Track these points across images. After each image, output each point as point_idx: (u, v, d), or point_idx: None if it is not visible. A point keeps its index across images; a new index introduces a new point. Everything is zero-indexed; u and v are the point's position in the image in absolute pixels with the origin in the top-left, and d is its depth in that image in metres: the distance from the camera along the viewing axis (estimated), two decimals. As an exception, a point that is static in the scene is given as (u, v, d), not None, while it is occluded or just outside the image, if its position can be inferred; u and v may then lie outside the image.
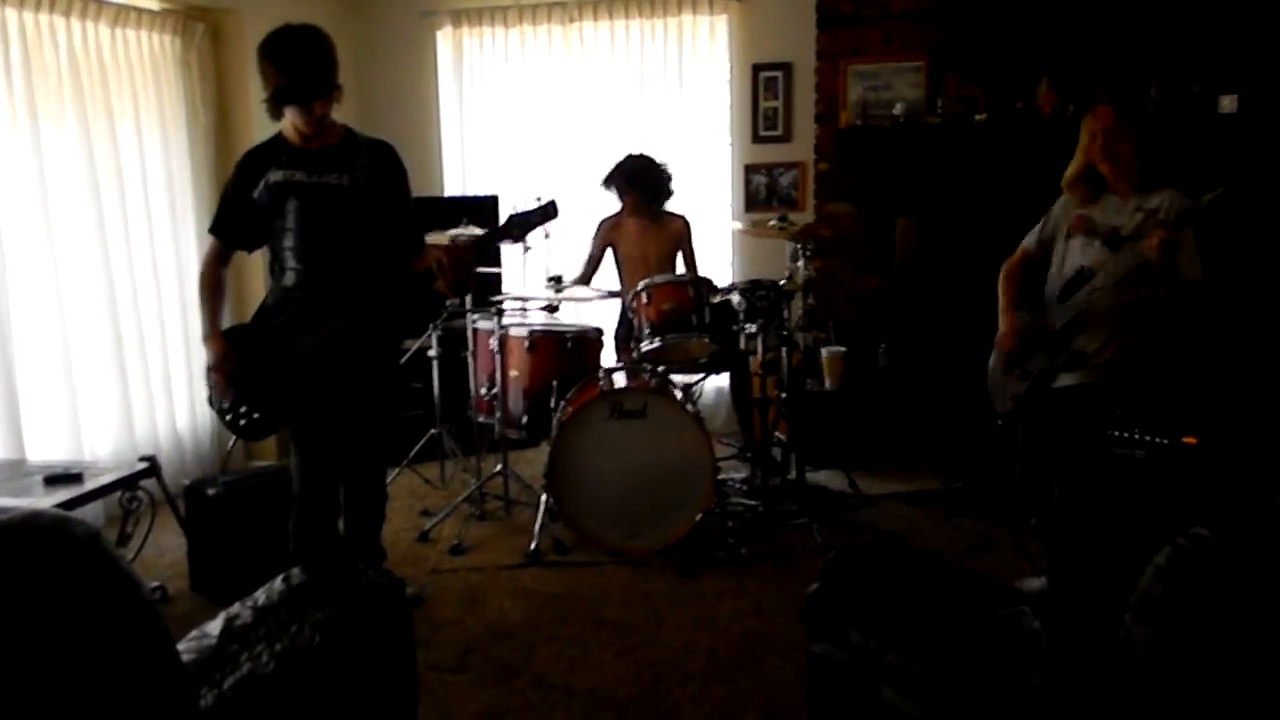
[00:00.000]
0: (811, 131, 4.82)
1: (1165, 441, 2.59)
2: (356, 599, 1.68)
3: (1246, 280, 3.81)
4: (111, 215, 3.82)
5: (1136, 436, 2.60)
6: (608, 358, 4.00)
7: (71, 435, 3.63)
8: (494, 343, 3.64)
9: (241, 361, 2.58)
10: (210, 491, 3.09)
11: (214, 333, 2.59)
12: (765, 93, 4.91)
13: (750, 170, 5.00)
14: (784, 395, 3.80)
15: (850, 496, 3.98)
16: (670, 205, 4.24)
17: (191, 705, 1.28)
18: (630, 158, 4.16)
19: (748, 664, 2.63)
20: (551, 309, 3.81)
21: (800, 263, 3.71)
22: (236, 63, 4.35)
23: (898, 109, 4.54)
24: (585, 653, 2.71)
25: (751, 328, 3.57)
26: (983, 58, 4.46)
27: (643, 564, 3.28)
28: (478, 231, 3.64)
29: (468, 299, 3.89)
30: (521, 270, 5.05)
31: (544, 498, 3.43)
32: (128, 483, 2.93)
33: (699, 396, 4.27)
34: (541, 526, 3.42)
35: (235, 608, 1.60)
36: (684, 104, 4.97)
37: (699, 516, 3.31)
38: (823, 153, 4.78)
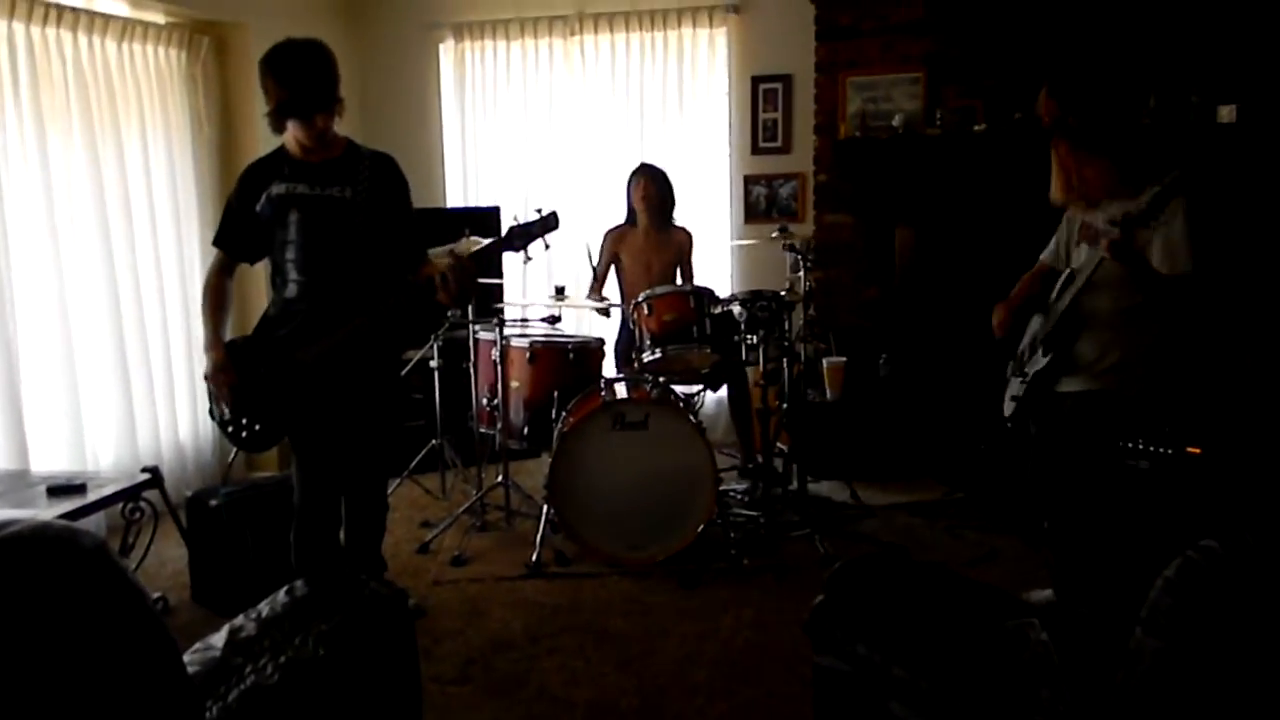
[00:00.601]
0: (811, 143, 4.84)
1: (1170, 452, 2.59)
2: (360, 610, 1.68)
3: (1248, 286, 3.82)
4: (116, 227, 3.83)
5: (1141, 447, 2.60)
6: (609, 368, 4.00)
7: (74, 446, 3.64)
8: (495, 353, 3.64)
9: (243, 373, 2.58)
10: (212, 502, 3.09)
11: (215, 344, 2.60)
12: (765, 104, 4.94)
13: (750, 181, 5.02)
14: (785, 406, 3.80)
15: (852, 507, 3.97)
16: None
17: (197, 717, 1.28)
18: (653, 166, 4.22)
19: (750, 676, 2.62)
20: (553, 320, 3.81)
21: (801, 273, 3.72)
22: (241, 76, 4.37)
23: (897, 120, 4.56)
24: (587, 664, 2.70)
25: (753, 338, 3.57)
26: (981, 69, 4.48)
27: (645, 575, 3.28)
28: (482, 241, 3.65)
29: (469, 310, 3.90)
30: (522, 281, 5.08)
31: (545, 509, 3.43)
32: (130, 494, 2.92)
33: (700, 407, 4.27)
34: (543, 538, 3.41)
35: (239, 620, 1.59)
36: (684, 116, 5.00)
37: (701, 527, 3.31)
38: (822, 164, 4.80)
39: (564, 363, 3.67)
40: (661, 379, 3.58)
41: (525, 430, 3.72)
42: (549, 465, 3.38)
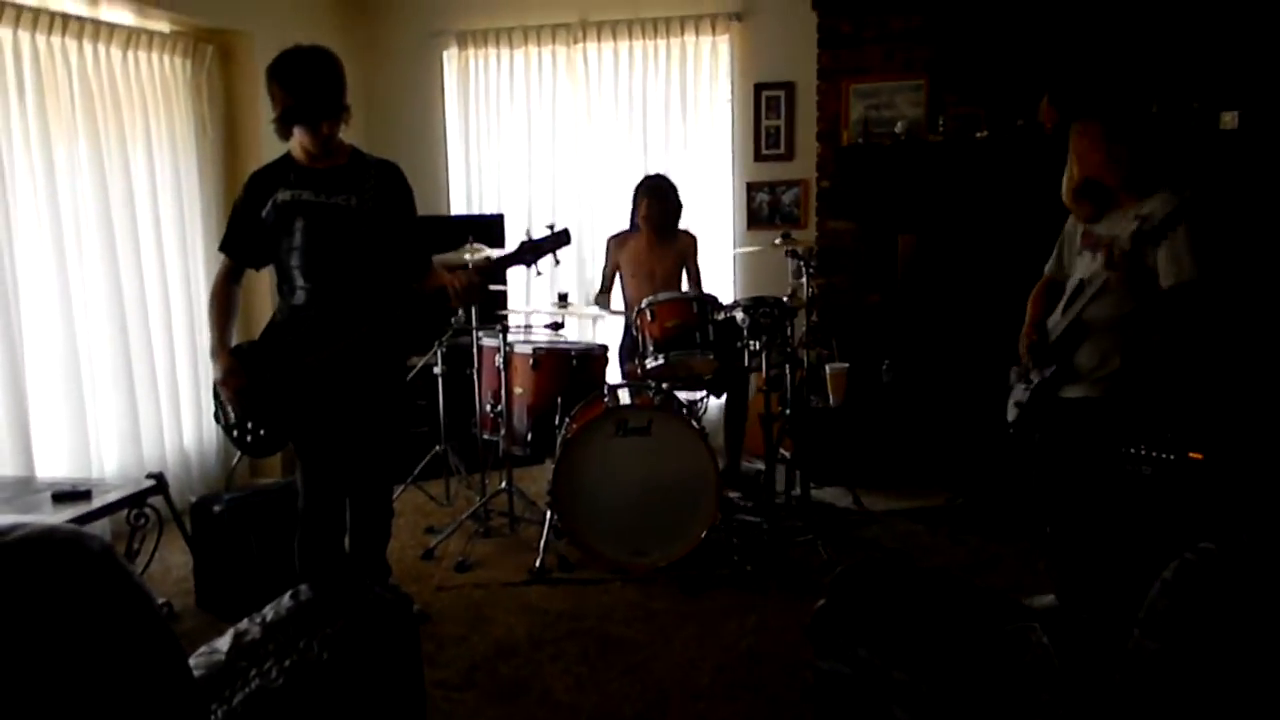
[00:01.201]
0: (813, 150, 4.86)
1: (1172, 457, 2.58)
2: (364, 615, 1.68)
3: (1250, 292, 3.82)
4: (121, 235, 3.85)
5: (1143, 453, 2.60)
6: (613, 374, 4.01)
7: (79, 452, 3.65)
8: (499, 360, 3.65)
9: (249, 378, 2.59)
10: (216, 508, 3.10)
11: (222, 349, 2.61)
12: (767, 112, 4.95)
13: (753, 188, 5.03)
14: (788, 412, 3.80)
15: (855, 513, 3.97)
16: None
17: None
18: (654, 177, 4.24)
19: (754, 681, 2.62)
20: (556, 326, 3.82)
21: (803, 279, 3.73)
22: (246, 84, 4.40)
23: (899, 127, 4.57)
24: (591, 670, 2.70)
25: (755, 344, 3.58)
26: (983, 75, 4.50)
27: (648, 581, 3.28)
28: (491, 254, 3.67)
29: (473, 316, 3.91)
30: (526, 288, 5.09)
31: (549, 515, 3.43)
32: (135, 500, 2.93)
33: (704, 413, 4.28)
34: (546, 543, 3.42)
35: (244, 624, 1.60)
36: (687, 123, 5.01)
37: (704, 533, 3.31)
38: (825, 170, 4.81)
39: (567, 369, 3.68)
40: (664, 385, 3.59)
41: (529, 436, 3.72)
42: (552, 471, 3.39)
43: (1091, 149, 2.62)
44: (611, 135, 5.07)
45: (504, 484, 3.81)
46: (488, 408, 3.85)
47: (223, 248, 2.72)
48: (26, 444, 3.41)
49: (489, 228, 4.74)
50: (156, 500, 3.04)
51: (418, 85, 5.29)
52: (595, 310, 4.12)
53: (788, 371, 3.70)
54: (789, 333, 3.67)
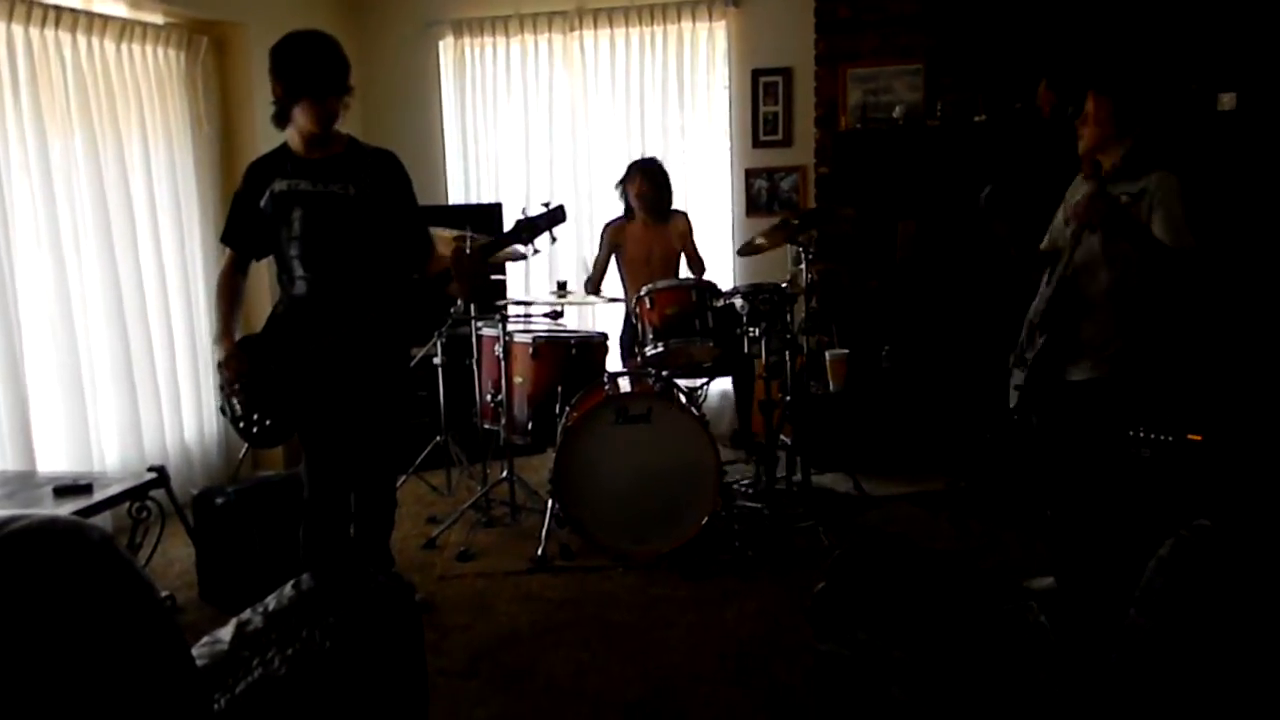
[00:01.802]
0: (812, 135, 4.84)
1: (1171, 439, 2.58)
2: (367, 603, 1.69)
3: (1248, 273, 3.82)
4: (119, 228, 3.85)
5: (1143, 434, 2.60)
6: (613, 362, 4.01)
7: (80, 446, 3.65)
8: (499, 349, 3.65)
9: (253, 369, 2.59)
10: (218, 501, 3.11)
11: (226, 334, 2.61)
12: (765, 97, 4.93)
13: (751, 174, 5.02)
14: (788, 398, 3.81)
15: (856, 498, 3.98)
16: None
17: (205, 709, 1.30)
18: (646, 159, 4.25)
19: (756, 666, 2.63)
20: (555, 315, 3.82)
21: (802, 266, 3.72)
22: (241, 76, 4.38)
23: (897, 112, 4.56)
24: (594, 657, 2.72)
25: (755, 331, 3.58)
26: (981, 59, 4.48)
27: (650, 568, 3.29)
28: (483, 240, 3.66)
29: (472, 306, 3.91)
30: (525, 276, 5.09)
31: (550, 503, 3.44)
32: (137, 493, 2.94)
33: (704, 400, 4.28)
34: (548, 532, 3.43)
35: (246, 613, 1.61)
36: (684, 110, 5.00)
37: (705, 520, 3.32)
38: (823, 156, 4.80)
39: (567, 358, 3.68)
40: (664, 372, 3.59)
41: (529, 425, 3.73)
42: (553, 460, 3.39)
43: (1101, 122, 2.61)
44: (609, 123, 5.05)
45: (505, 473, 3.82)
46: (488, 397, 3.85)
47: (224, 239, 2.72)
48: (27, 438, 3.42)
49: (487, 216, 4.73)
50: (158, 493, 3.04)
51: (414, 75, 5.27)
52: (594, 299, 4.12)
53: (788, 358, 3.70)
54: (788, 319, 3.67)
